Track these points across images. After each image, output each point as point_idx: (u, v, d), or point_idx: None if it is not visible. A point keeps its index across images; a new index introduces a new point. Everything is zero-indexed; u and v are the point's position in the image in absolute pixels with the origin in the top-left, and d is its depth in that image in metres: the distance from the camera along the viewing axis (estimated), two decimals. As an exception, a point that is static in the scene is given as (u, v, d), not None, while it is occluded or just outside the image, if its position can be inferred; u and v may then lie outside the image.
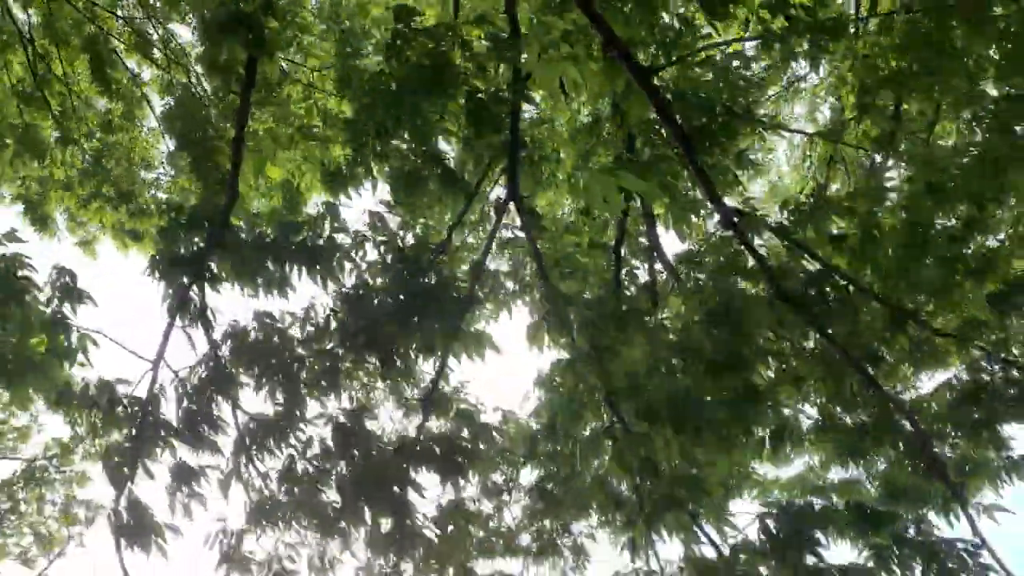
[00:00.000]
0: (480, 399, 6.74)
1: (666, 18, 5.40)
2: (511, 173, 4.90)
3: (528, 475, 6.78)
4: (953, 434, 5.54)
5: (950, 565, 5.51)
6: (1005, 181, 5.05)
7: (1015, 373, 5.40)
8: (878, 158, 6.78)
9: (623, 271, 6.87)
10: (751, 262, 5.51)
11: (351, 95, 5.38)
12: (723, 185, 6.02)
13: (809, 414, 6.19)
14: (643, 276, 7.04)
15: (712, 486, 4.86)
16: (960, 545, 5.49)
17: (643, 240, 7.06)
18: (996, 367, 5.52)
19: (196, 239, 5.50)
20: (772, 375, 5.89)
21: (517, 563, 6.90)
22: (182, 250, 5.67)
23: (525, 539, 6.88)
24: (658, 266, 7.09)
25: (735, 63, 5.19)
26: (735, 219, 5.22)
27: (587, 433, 5.47)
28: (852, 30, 6.28)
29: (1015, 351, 6.08)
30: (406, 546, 4.65)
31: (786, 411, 6.16)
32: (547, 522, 6.69)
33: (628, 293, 6.58)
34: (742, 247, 5.25)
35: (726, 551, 5.10)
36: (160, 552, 5.34)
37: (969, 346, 5.36)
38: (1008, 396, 5.42)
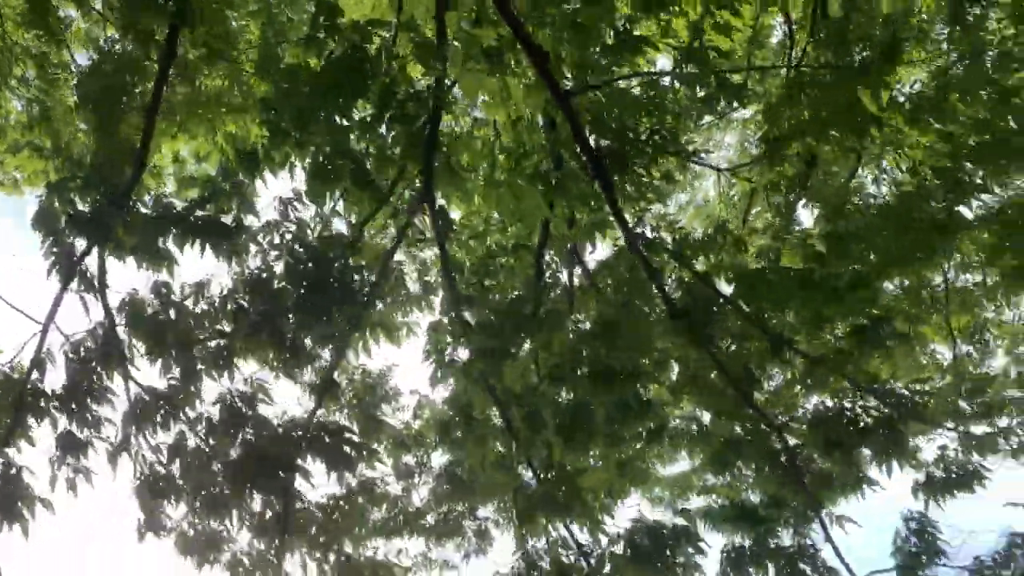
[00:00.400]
0: (398, 384, 6.91)
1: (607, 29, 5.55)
2: (426, 175, 5.00)
3: (440, 458, 6.99)
4: (814, 452, 6.05)
5: (802, 567, 6.09)
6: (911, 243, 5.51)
7: (873, 402, 5.95)
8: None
9: (546, 275, 7.07)
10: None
11: (270, 79, 5.34)
12: (635, 206, 6.34)
13: (700, 420, 6.65)
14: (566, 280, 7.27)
15: (588, 492, 5.15)
16: (812, 550, 6.08)
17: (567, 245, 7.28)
18: (859, 396, 6.07)
19: (89, 199, 5.34)
20: (662, 385, 6.30)
21: (422, 543, 7.13)
22: (76, 209, 5.50)
23: (431, 520, 7.09)
24: (579, 271, 7.35)
25: (651, 92, 5.45)
26: (638, 240, 5.53)
27: (477, 432, 5.67)
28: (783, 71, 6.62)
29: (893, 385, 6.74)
30: (289, 532, 4.72)
31: (673, 421, 6.59)
32: (454, 505, 6.91)
33: (552, 295, 6.80)
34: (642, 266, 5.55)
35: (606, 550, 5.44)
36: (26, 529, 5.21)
37: (837, 375, 5.85)
38: (865, 424, 5.97)
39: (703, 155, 6.15)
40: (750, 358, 5.93)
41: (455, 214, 6.70)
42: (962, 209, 7.20)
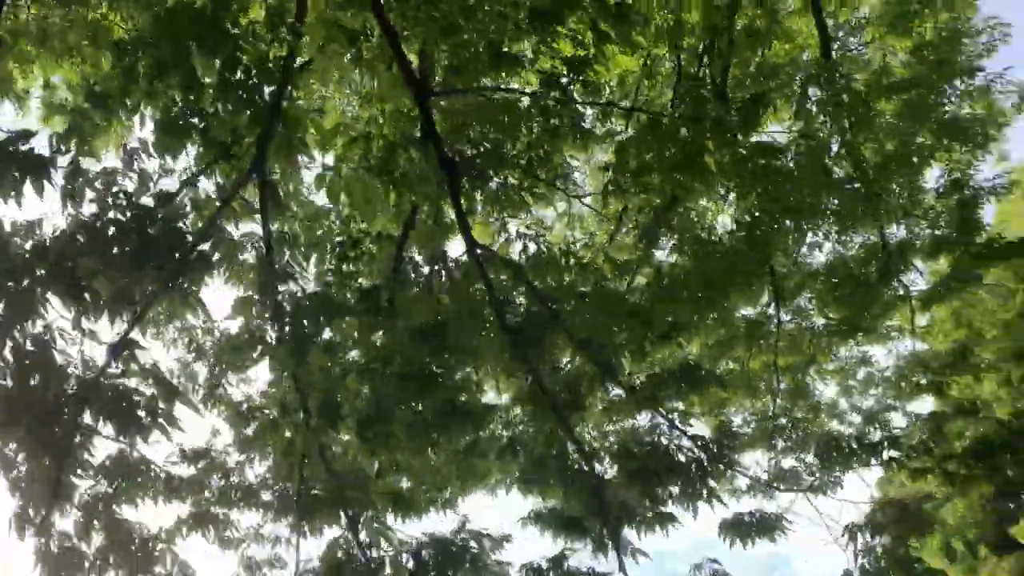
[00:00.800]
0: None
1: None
2: (260, 148, 4.91)
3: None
4: (620, 481, 6.26)
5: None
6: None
7: (686, 442, 6.22)
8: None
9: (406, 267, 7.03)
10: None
11: (135, 26, 5.12)
12: (504, 212, 6.41)
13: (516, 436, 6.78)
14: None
15: (379, 494, 5.17)
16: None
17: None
18: (674, 432, 6.34)
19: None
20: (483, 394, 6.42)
21: (257, 517, 7.00)
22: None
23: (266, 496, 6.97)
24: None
25: (517, 111, 5.47)
26: (478, 250, 5.60)
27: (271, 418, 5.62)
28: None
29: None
30: (59, 494, 4.57)
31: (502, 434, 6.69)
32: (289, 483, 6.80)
33: (412, 290, 6.76)
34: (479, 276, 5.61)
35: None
36: None
37: (651, 407, 6.09)
38: (676, 462, 6.24)
39: (567, 176, 6.25)
40: (578, 381, 6.09)
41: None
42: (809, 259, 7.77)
